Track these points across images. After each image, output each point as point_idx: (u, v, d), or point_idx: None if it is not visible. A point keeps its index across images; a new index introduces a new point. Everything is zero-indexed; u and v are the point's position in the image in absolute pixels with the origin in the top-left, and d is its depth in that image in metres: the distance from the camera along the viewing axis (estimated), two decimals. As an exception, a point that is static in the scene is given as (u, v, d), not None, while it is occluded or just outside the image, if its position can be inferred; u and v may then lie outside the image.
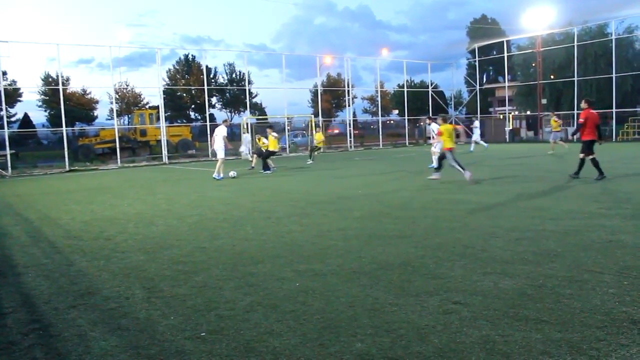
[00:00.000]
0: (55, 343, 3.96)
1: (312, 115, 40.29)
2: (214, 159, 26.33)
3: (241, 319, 4.25)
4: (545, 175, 14.51)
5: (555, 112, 29.72)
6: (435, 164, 15.38)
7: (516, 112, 44.50)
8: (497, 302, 4.35)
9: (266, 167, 19.55)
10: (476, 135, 28.93)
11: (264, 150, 19.89)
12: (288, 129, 41.68)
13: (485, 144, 29.45)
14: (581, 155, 13.18)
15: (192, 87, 61.23)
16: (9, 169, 26.29)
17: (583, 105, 13.41)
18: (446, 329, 3.85)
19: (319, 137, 26.68)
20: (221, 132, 17.96)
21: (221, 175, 17.46)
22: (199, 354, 3.62)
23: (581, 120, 13.14)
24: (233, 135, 38.69)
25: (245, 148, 29.42)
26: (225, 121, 19.59)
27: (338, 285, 5.03)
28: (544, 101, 39.94)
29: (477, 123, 30.54)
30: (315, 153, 26.23)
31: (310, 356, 3.51)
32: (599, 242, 6.30)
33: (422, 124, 46.93)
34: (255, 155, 22.01)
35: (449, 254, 6.08)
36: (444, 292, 4.69)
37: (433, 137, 17.29)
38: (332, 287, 4.97)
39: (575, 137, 13.59)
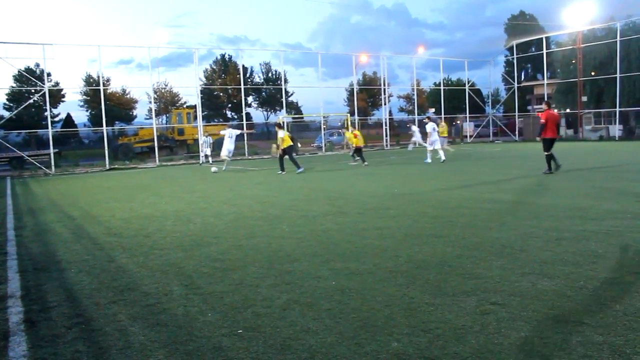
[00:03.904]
0: (97, 337, 4.06)
1: (348, 114, 40.25)
2: (250, 157, 27.63)
3: (278, 317, 4.28)
4: (584, 172, 14.17)
5: (440, 116, 32.68)
6: (428, 159, 21.28)
7: (556, 111, 43.53)
8: (535, 303, 4.27)
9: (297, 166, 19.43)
10: (417, 137, 31.85)
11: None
12: (324, 128, 41.76)
13: (411, 147, 33.39)
14: (546, 153, 14.24)
15: (229, 87, 61.93)
16: (53, 167, 27.14)
17: (543, 106, 14.60)
18: (484, 330, 3.80)
19: (350, 135, 25.31)
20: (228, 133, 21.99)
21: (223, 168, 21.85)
22: (236, 351, 3.66)
23: (542, 120, 14.17)
24: (269, 134, 38.91)
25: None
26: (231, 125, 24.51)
27: (374, 284, 5.02)
28: (584, 99, 38.93)
29: (414, 127, 33.03)
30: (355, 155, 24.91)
31: (346, 355, 3.51)
32: (643, 244, 6.12)
33: (458, 122, 46.43)
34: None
35: (486, 253, 5.99)
36: (481, 292, 4.63)
37: (428, 136, 21.64)
38: (368, 286, 4.97)
39: (539, 138, 14.48)
